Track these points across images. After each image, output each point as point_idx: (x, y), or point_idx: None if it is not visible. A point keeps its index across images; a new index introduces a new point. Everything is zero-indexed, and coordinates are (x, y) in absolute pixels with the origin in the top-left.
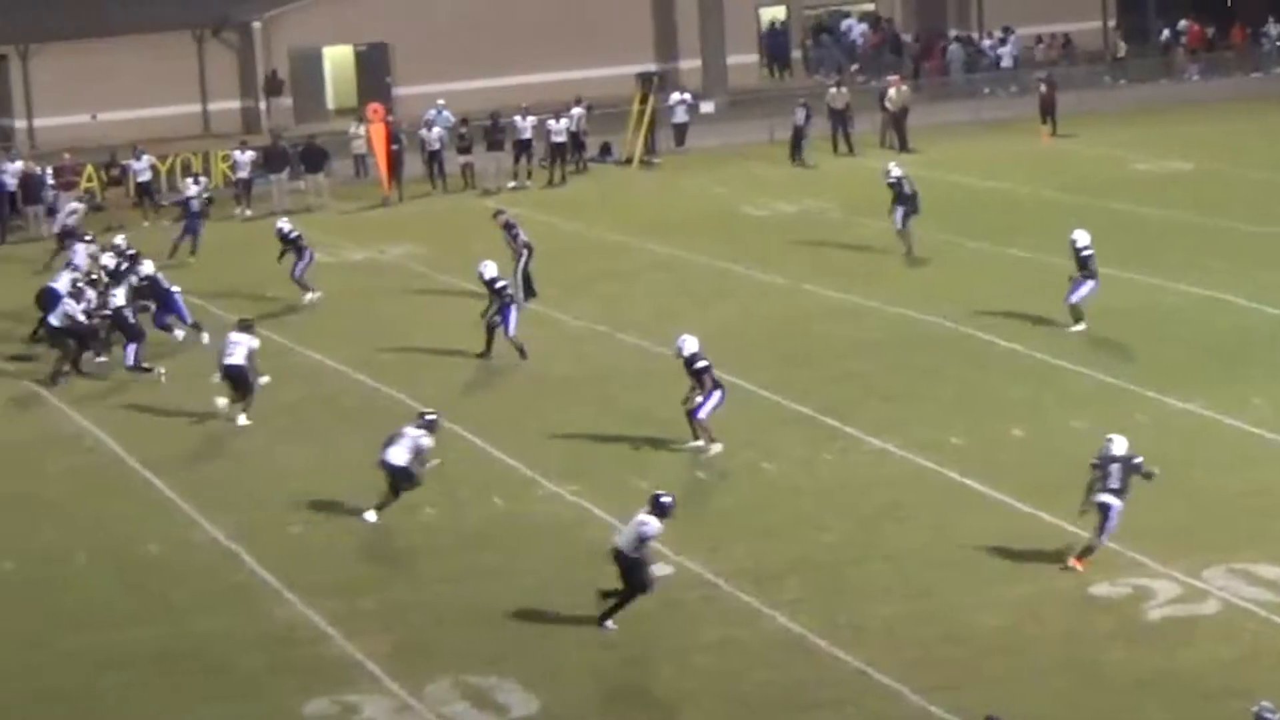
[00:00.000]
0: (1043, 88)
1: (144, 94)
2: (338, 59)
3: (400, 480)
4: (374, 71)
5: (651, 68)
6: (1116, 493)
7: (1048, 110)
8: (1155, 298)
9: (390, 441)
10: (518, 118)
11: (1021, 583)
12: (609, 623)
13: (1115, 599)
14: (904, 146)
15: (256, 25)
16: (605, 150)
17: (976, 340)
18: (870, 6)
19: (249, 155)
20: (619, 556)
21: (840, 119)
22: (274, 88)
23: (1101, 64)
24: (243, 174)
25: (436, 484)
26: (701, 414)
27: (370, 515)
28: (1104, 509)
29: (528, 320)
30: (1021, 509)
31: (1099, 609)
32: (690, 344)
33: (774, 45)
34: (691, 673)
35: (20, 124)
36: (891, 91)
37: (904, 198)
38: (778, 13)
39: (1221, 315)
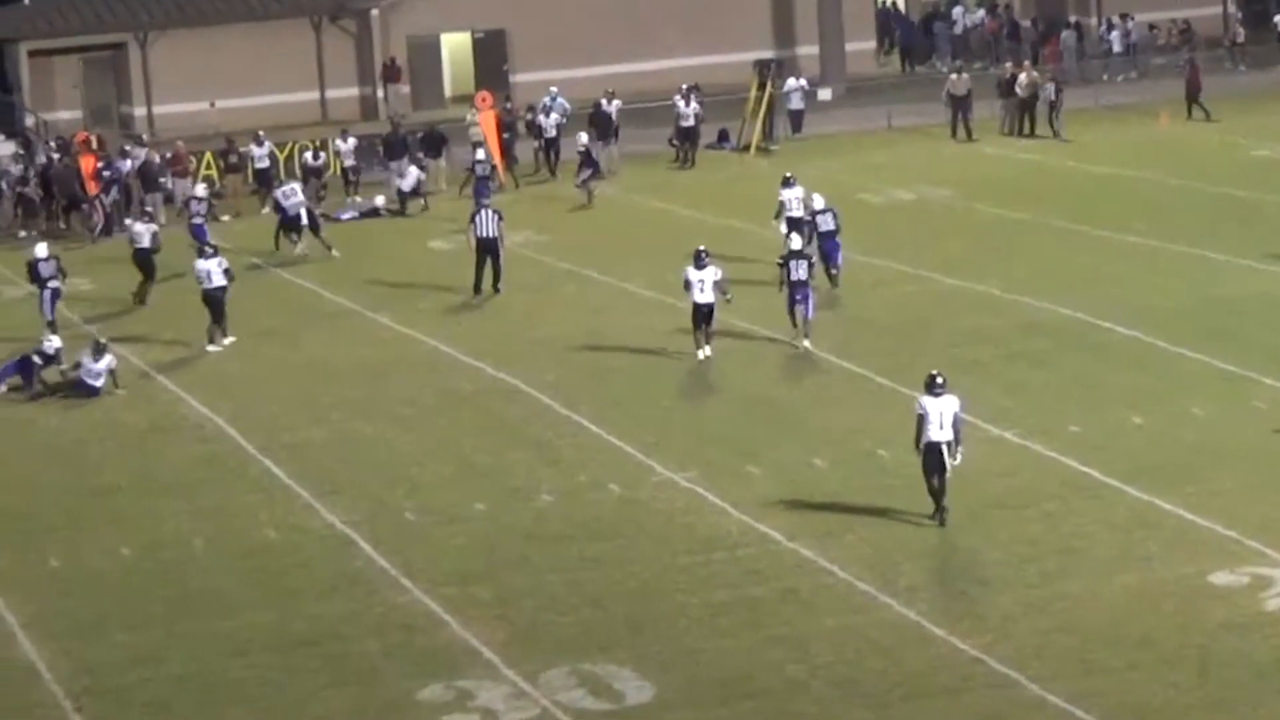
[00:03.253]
0: (1188, 71)
1: (262, 81)
2: (455, 46)
3: None
4: (491, 58)
5: (769, 54)
6: None
7: (1194, 93)
8: (1274, 285)
9: None
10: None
11: (1139, 571)
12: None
13: (1233, 588)
14: (1032, 132)
15: (374, 12)
16: (722, 137)
17: (1095, 327)
18: None
19: (351, 143)
20: (941, 449)
21: (961, 105)
22: (392, 74)
23: (1221, 50)
24: (348, 162)
25: (553, 471)
26: (811, 314)
27: None
28: None
29: (646, 309)
30: (1140, 497)
31: (1216, 598)
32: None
33: (906, 37)
34: (806, 660)
35: (140, 111)
36: (1022, 77)
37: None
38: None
39: None
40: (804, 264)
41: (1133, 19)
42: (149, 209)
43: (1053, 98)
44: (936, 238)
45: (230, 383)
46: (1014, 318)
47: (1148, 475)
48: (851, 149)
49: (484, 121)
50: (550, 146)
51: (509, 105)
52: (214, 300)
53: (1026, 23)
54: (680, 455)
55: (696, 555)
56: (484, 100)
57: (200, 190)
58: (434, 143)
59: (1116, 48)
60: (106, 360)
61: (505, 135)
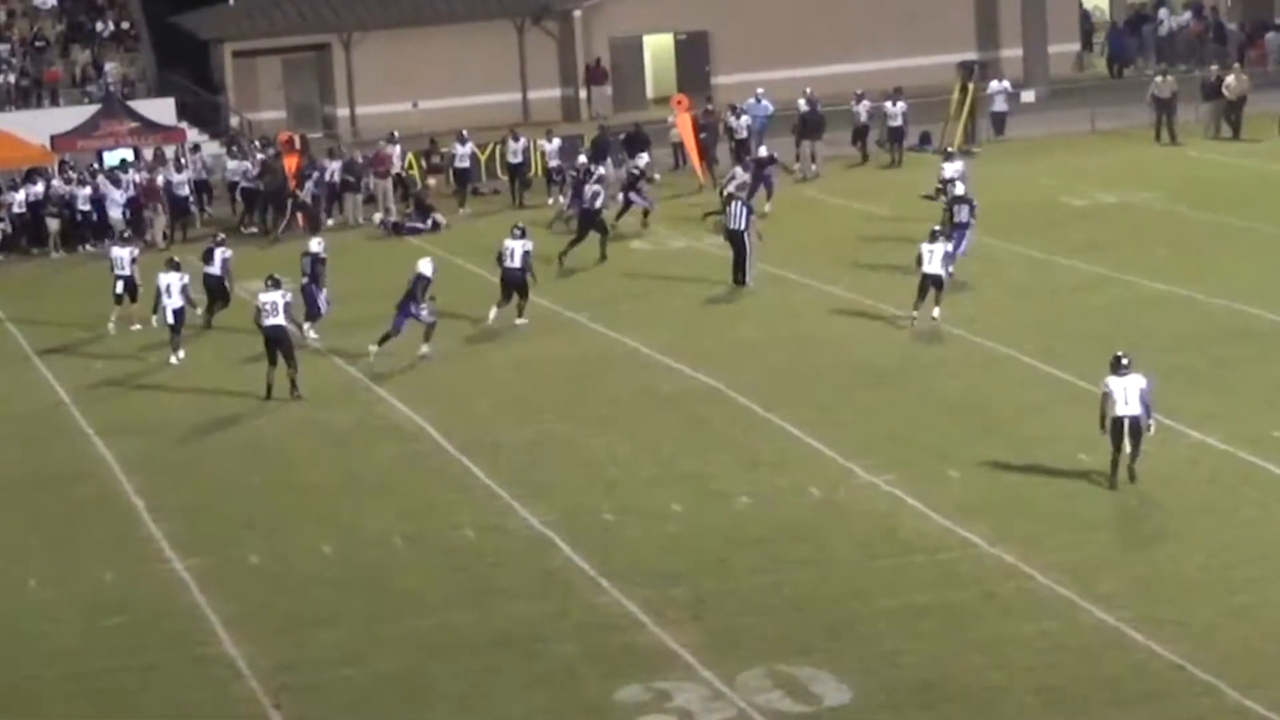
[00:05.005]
0: None
1: (464, 82)
2: (658, 47)
3: None
4: (694, 60)
5: (972, 56)
6: None
7: None
8: None
9: None
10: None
11: None
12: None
13: None
14: (1238, 134)
15: (577, 14)
16: (924, 139)
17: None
18: None
19: (556, 144)
20: (1135, 422)
21: (1165, 108)
22: (598, 77)
23: None
24: (553, 163)
25: (752, 474)
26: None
27: None
28: None
29: (836, 308)
30: None
31: None
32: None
33: (1116, 44)
34: (1006, 665)
35: (343, 112)
36: (1230, 79)
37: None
38: (1100, 1)
39: None
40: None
41: None
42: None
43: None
44: (1141, 241)
45: (431, 382)
46: (1219, 323)
47: None
48: (1054, 151)
49: (680, 124)
50: (741, 148)
51: (710, 107)
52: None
53: (1233, 25)
54: (881, 458)
55: (896, 559)
56: (679, 103)
57: (315, 245)
58: (637, 144)
59: None
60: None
61: (703, 136)
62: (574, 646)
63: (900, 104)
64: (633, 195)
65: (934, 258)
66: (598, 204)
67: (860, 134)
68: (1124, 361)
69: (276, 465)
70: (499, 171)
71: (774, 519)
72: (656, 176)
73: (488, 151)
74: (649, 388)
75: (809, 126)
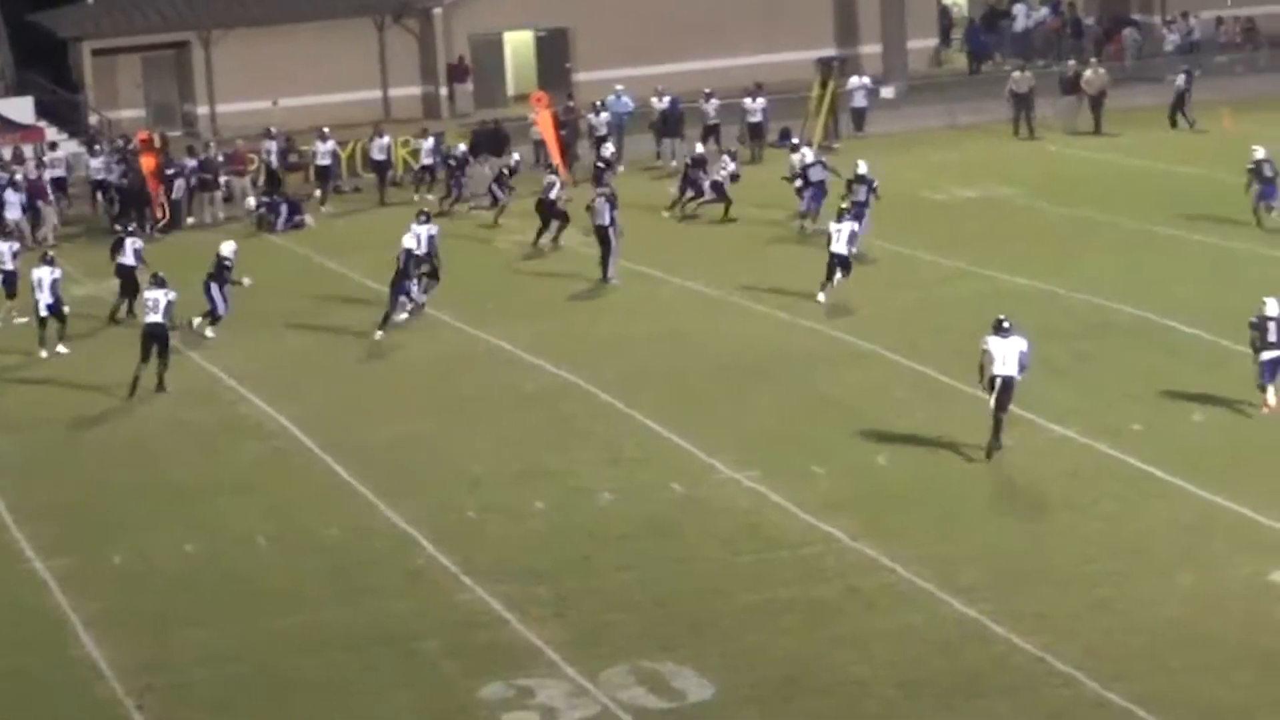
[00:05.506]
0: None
1: (325, 80)
2: (518, 44)
3: None
4: (554, 57)
5: (832, 52)
6: (1275, 345)
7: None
8: None
9: None
10: (704, 102)
11: (1202, 570)
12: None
13: None
14: (1098, 129)
15: (437, 11)
16: (784, 135)
17: (1159, 325)
18: None
19: (429, 142)
20: (1009, 384)
21: (1024, 103)
22: (460, 74)
23: None
24: (426, 160)
25: (614, 470)
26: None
27: None
28: (1270, 366)
29: (701, 305)
30: (1202, 495)
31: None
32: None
33: (974, 40)
34: (868, 659)
35: (203, 110)
36: (1088, 73)
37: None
38: None
39: None
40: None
41: (1196, 17)
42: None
43: (1184, 87)
44: (1001, 236)
45: (295, 382)
46: (1079, 316)
47: (1211, 474)
48: (914, 147)
49: (541, 121)
50: (599, 145)
51: (571, 104)
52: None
53: (1090, 20)
54: (744, 454)
55: (759, 554)
56: (539, 100)
57: (227, 249)
58: (496, 141)
59: (1168, 47)
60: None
61: (564, 133)
62: (438, 644)
63: (760, 100)
64: (495, 189)
65: (840, 237)
66: (552, 194)
67: (710, 132)
68: (1005, 324)
69: (141, 464)
70: (360, 169)
71: (637, 515)
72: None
73: (349, 149)
74: (512, 385)
75: (670, 124)
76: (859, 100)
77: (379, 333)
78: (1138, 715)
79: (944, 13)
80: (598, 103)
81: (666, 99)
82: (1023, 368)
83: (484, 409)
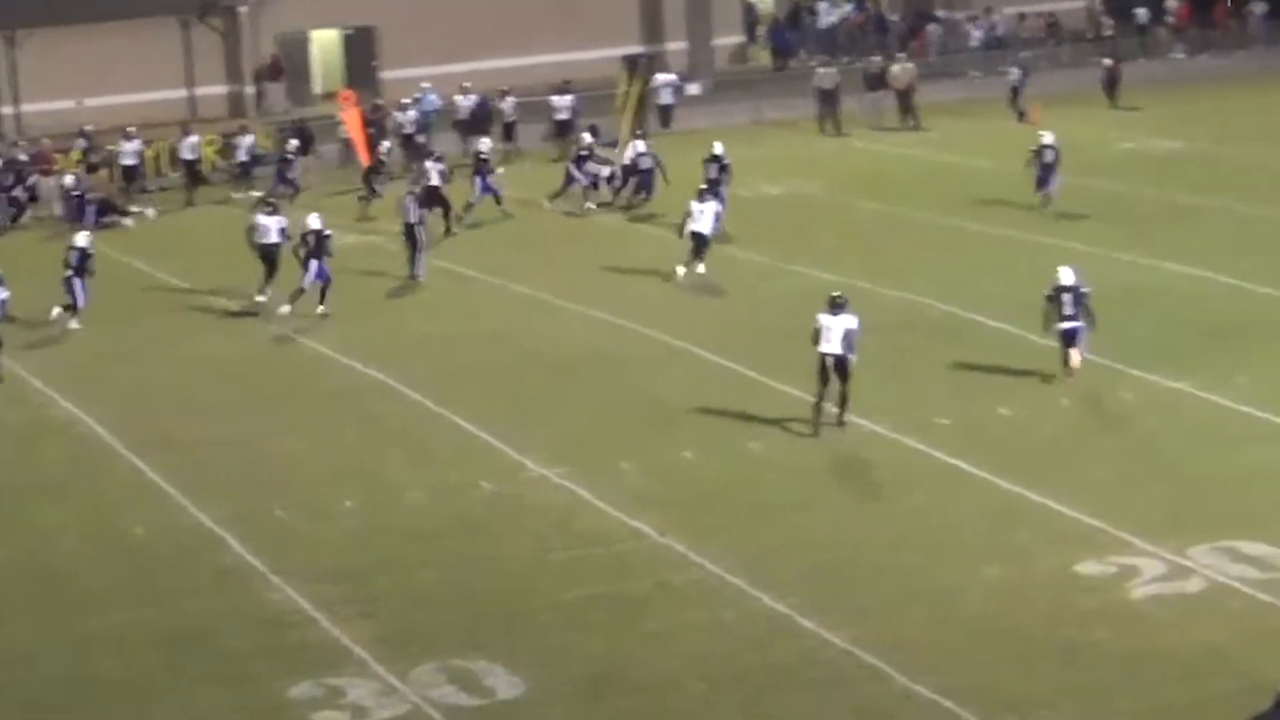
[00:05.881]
0: (1107, 61)
1: (130, 79)
2: (324, 43)
3: None
4: (360, 55)
5: (638, 50)
6: (1073, 317)
7: (1112, 84)
8: (1143, 277)
9: None
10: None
11: (1009, 563)
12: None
13: (1101, 578)
14: (914, 122)
15: (243, 9)
16: (593, 132)
17: (965, 320)
18: None
19: (250, 139)
20: (840, 362)
21: (829, 99)
22: (274, 72)
23: (1086, 43)
24: (243, 157)
25: (424, 469)
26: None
27: None
28: (1070, 333)
29: (512, 303)
30: (1009, 488)
31: (1084, 589)
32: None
33: (779, 36)
34: (679, 655)
35: (7, 110)
36: (895, 68)
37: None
38: None
39: (1209, 294)
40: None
41: (999, 13)
42: None
43: (1016, 83)
44: (809, 232)
45: (103, 382)
46: (886, 311)
47: (1016, 467)
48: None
49: (348, 119)
50: (408, 143)
51: (378, 102)
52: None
53: (894, 16)
54: (554, 451)
55: (569, 551)
56: (345, 99)
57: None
58: (302, 140)
59: (973, 42)
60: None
61: (371, 131)
62: (247, 644)
63: (568, 98)
64: (372, 182)
65: (703, 216)
66: (433, 181)
67: (508, 130)
68: (838, 300)
69: None
70: (167, 169)
71: (447, 514)
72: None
73: (155, 149)
74: (321, 384)
75: (476, 122)
76: (665, 97)
77: (284, 308)
78: (944, 707)
79: (749, 10)
80: (405, 100)
81: (472, 97)
82: (849, 346)
83: (293, 409)
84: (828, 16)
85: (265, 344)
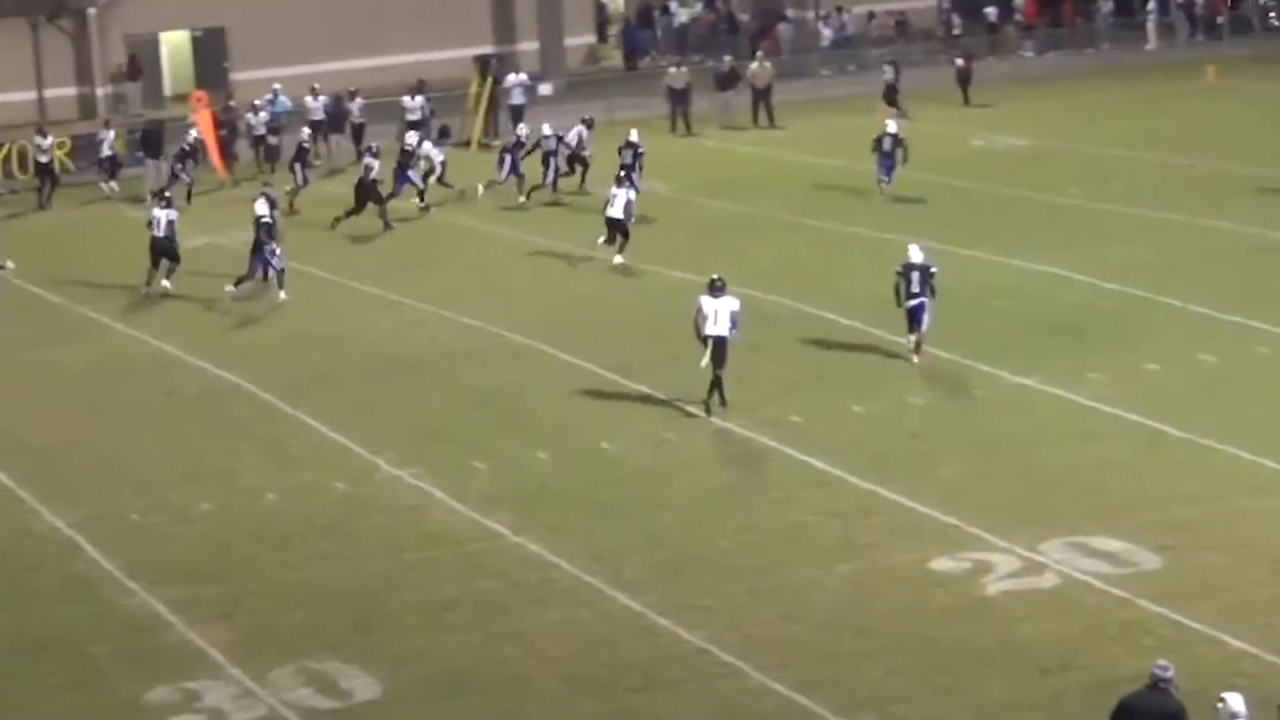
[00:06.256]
0: (959, 60)
1: None
2: (175, 45)
3: None
4: (211, 57)
5: (489, 50)
6: (919, 294)
7: (964, 81)
8: (993, 274)
9: None
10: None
11: (863, 560)
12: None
13: (954, 574)
14: (770, 121)
15: (92, 11)
16: (444, 133)
17: (817, 318)
18: None
19: (110, 134)
20: (722, 343)
21: (680, 99)
22: (133, 72)
23: (936, 41)
24: (106, 153)
25: (279, 470)
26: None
27: None
28: (915, 309)
29: (365, 305)
30: (861, 485)
31: (938, 584)
32: None
33: (631, 36)
34: (534, 655)
35: None
36: (754, 66)
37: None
38: None
39: (1058, 290)
40: None
41: (849, 12)
42: None
43: (892, 80)
44: (661, 231)
45: None
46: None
47: (869, 464)
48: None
49: (200, 121)
50: (259, 144)
51: (231, 104)
52: None
53: (745, 16)
54: (407, 451)
55: (423, 551)
56: (199, 100)
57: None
58: (152, 142)
59: (824, 41)
60: None
61: (223, 133)
62: (103, 648)
63: (419, 98)
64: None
65: (617, 201)
66: (371, 175)
67: (357, 131)
68: (718, 283)
69: None
70: (17, 172)
71: (302, 515)
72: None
73: (4, 151)
74: (174, 387)
75: (330, 122)
76: (517, 97)
77: (230, 288)
78: (799, 703)
79: (600, 10)
80: (257, 102)
81: (323, 98)
82: (734, 326)
83: (146, 412)
84: (679, 16)
85: (117, 347)
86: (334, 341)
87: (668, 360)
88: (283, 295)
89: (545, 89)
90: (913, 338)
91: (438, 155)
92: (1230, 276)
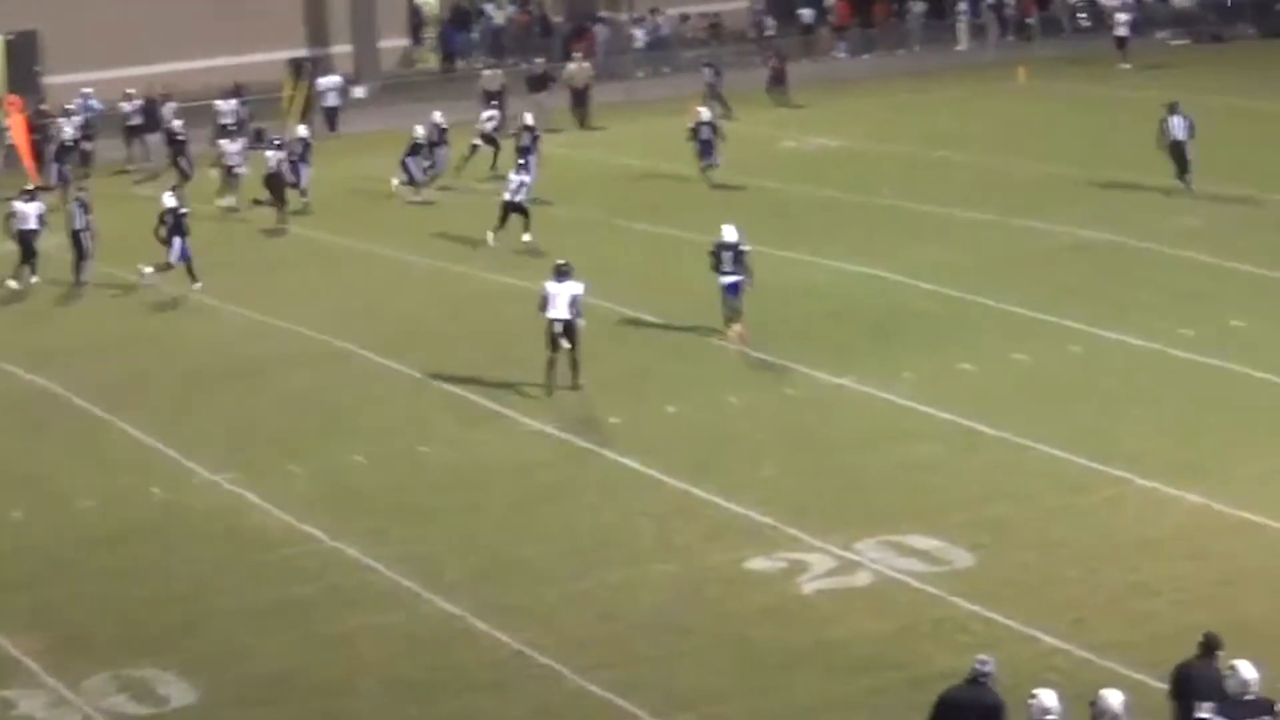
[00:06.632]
0: (773, 60)
1: None
2: None
3: None
4: (23, 61)
5: (303, 53)
6: (733, 272)
7: (778, 82)
8: (806, 274)
9: None
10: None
11: (679, 560)
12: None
13: (770, 574)
14: (587, 122)
15: None
16: (258, 137)
17: (634, 319)
18: None
19: None
20: (569, 327)
21: (494, 101)
22: None
23: (749, 43)
24: None
25: (93, 476)
26: None
27: None
28: (731, 287)
29: (179, 308)
30: (678, 486)
31: (754, 584)
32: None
33: (447, 39)
34: (354, 659)
35: None
36: (572, 66)
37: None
38: None
39: (873, 291)
40: None
41: (662, 14)
42: None
43: (712, 81)
44: (476, 234)
45: None
46: None
47: (685, 464)
48: (388, 146)
49: (14, 125)
50: (63, 151)
51: (43, 107)
52: None
53: (559, 18)
54: (222, 456)
55: (241, 556)
56: (12, 104)
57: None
58: None
59: (638, 44)
60: None
61: (36, 138)
62: None
63: (233, 101)
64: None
65: (510, 186)
66: (282, 168)
67: (132, 133)
68: (564, 267)
69: None
70: None
71: (117, 521)
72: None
73: None
74: None
75: (145, 125)
76: (331, 100)
77: (147, 269)
78: (617, 704)
79: (415, 12)
80: (68, 106)
81: (136, 102)
82: (577, 312)
83: None
84: (495, 18)
85: None
86: (146, 345)
87: (485, 364)
88: (197, 285)
89: (359, 92)
90: (733, 328)
91: (239, 156)
92: (1043, 276)
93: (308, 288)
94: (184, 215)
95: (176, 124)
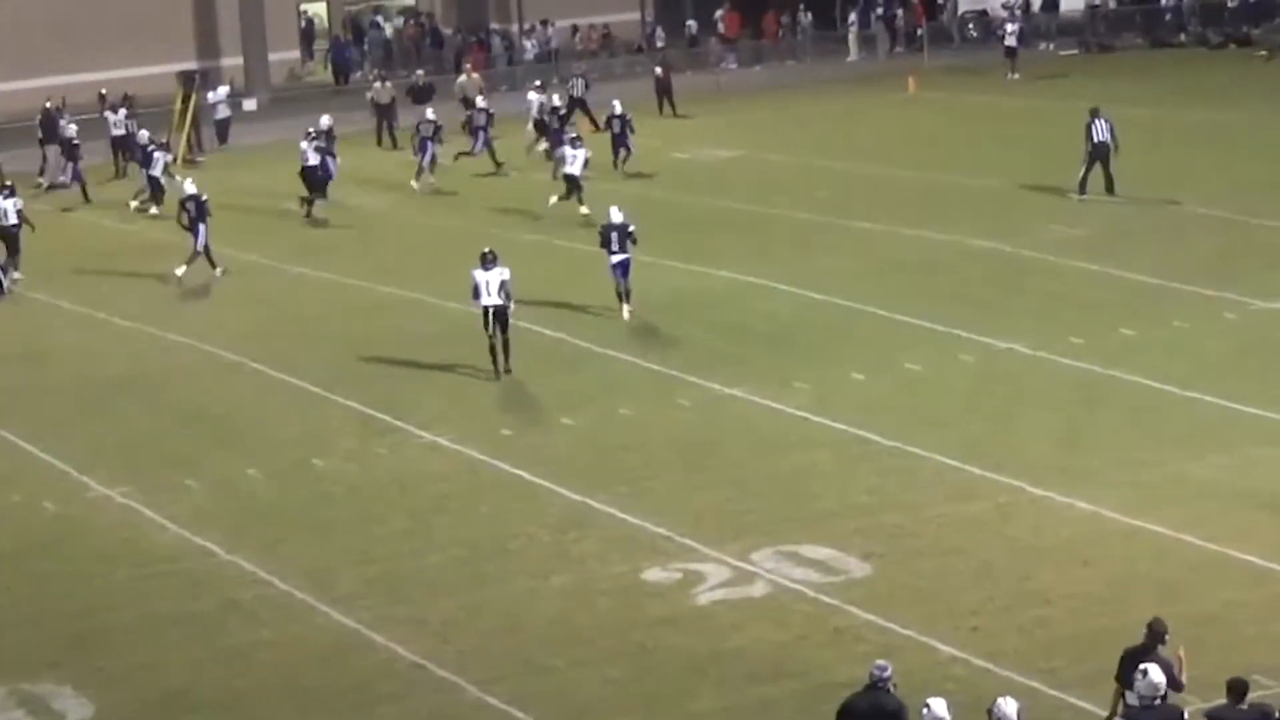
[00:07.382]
0: (658, 70)
1: None
2: None
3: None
4: None
5: (193, 65)
6: (621, 250)
7: (664, 92)
8: (698, 284)
9: None
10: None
11: (575, 571)
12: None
13: (666, 585)
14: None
15: None
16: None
17: (524, 330)
18: (411, 1)
19: None
20: (501, 311)
21: (386, 113)
22: None
23: (639, 54)
24: None
25: None
26: None
27: None
28: (620, 265)
29: (68, 321)
30: (573, 497)
31: (650, 595)
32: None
33: (339, 51)
34: (251, 672)
35: None
36: (462, 78)
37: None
38: (319, 9)
39: (764, 300)
40: None
41: (553, 25)
42: None
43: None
44: (371, 245)
45: None
46: (445, 322)
47: (579, 476)
48: (278, 158)
49: None
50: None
51: None
52: None
53: (449, 30)
54: (115, 470)
55: (136, 570)
56: None
57: None
58: None
59: (528, 55)
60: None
61: None
62: None
63: (122, 112)
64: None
65: (577, 160)
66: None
67: (67, 148)
68: (489, 255)
69: None
70: None
71: (9, 535)
72: None
73: None
74: None
75: (46, 136)
76: (221, 112)
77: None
78: (516, 717)
79: (307, 25)
80: None
81: (39, 115)
82: (507, 296)
83: None
84: (384, 30)
85: None
86: (34, 358)
87: (377, 375)
88: (218, 271)
89: (250, 104)
90: (625, 309)
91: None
92: (934, 285)
93: (200, 300)
94: (205, 201)
95: (72, 129)
